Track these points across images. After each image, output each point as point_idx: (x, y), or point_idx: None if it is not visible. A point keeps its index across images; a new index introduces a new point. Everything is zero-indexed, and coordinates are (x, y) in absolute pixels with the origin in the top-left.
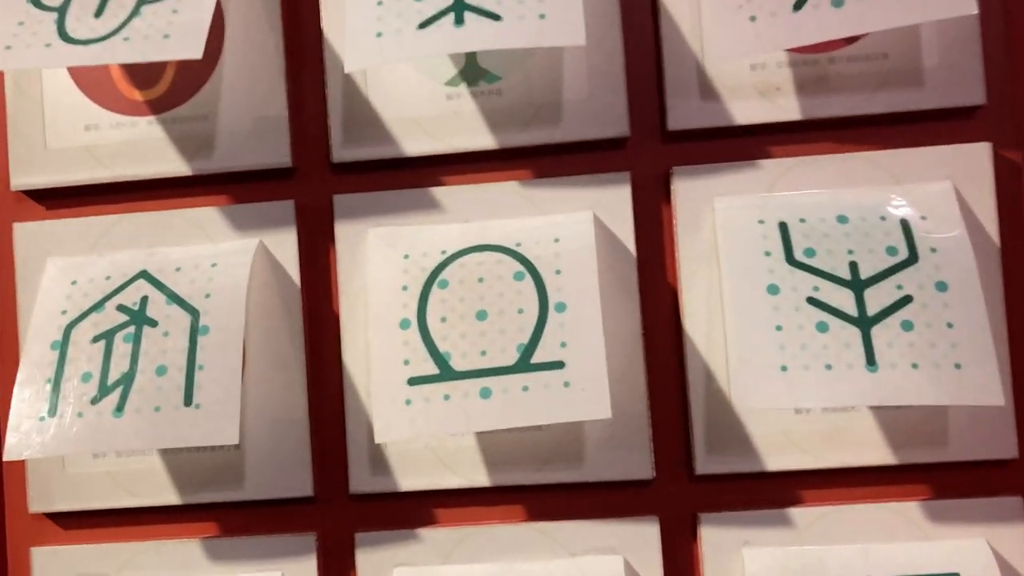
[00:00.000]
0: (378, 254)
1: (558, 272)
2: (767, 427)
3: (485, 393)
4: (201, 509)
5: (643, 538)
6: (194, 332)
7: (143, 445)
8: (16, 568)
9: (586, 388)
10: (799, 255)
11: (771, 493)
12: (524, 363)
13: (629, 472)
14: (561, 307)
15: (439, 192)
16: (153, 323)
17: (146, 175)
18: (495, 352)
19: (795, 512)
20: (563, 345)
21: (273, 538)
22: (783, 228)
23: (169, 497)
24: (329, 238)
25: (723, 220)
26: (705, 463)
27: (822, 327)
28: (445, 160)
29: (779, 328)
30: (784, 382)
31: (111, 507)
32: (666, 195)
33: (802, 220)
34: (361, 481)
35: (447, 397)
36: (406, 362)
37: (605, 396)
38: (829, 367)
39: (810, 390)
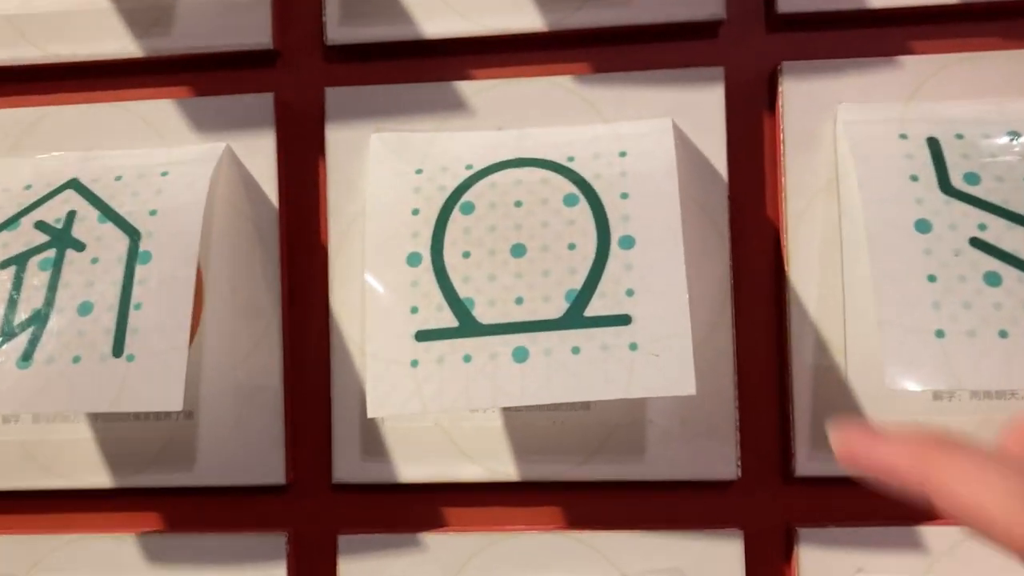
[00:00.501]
0: (382, 166)
1: (625, 196)
2: (895, 416)
3: (520, 355)
4: (139, 495)
5: (720, 557)
6: (132, 260)
7: (54, 406)
8: None
9: (661, 353)
10: (957, 182)
11: (895, 505)
12: (575, 316)
13: (706, 470)
14: (628, 242)
15: (465, 88)
16: (80, 246)
17: (84, 56)
18: (535, 300)
19: (926, 531)
20: (629, 293)
21: (232, 537)
22: (933, 146)
23: (98, 478)
24: (318, 144)
25: (851, 134)
26: (808, 462)
27: (992, 279)
28: (474, 46)
29: (932, 279)
30: (940, 354)
31: (23, 488)
32: (771, 100)
33: (959, 136)
34: (348, 467)
35: (468, 359)
36: (414, 310)
37: (688, 365)
38: (1004, 334)
39: (977, 366)
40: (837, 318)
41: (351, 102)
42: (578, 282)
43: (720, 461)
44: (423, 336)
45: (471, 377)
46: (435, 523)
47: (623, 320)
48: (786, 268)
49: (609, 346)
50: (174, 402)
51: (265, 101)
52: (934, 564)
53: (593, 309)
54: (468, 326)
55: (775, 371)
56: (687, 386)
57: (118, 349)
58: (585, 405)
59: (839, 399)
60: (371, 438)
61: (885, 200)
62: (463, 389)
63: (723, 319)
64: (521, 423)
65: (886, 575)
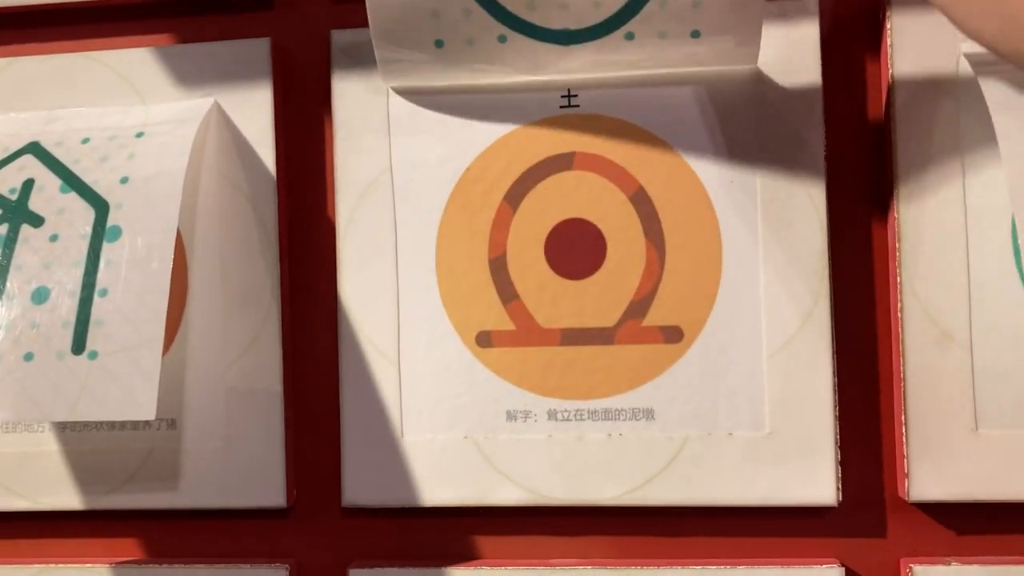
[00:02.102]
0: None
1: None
2: None
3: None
4: (115, 519)
5: None
6: (98, 237)
7: (4, 415)
8: None
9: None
10: None
11: None
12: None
13: (798, 493)
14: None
15: None
16: (37, 220)
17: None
18: None
19: None
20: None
21: (224, 569)
22: None
23: (66, 499)
24: (323, 99)
25: (984, 79)
26: (922, 484)
27: None
28: None
29: None
30: None
31: None
32: (875, 36)
33: None
34: (362, 489)
35: None
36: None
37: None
38: None
39: None
40: (961, 308)
41: (363, 46)
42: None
43: (817, 483)
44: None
45: None
46: (465, 555)
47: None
48: (899, 249)
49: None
50: (146, 410)
51: (260, 48)
52: None
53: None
54: None
55: (882, 375)
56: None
57: (79, 345)
58: (649, 414)
59: (962, 409)
60: (388, 454)
61: None
62: None
63: (820, 308)
64: (570, 436)
65: None
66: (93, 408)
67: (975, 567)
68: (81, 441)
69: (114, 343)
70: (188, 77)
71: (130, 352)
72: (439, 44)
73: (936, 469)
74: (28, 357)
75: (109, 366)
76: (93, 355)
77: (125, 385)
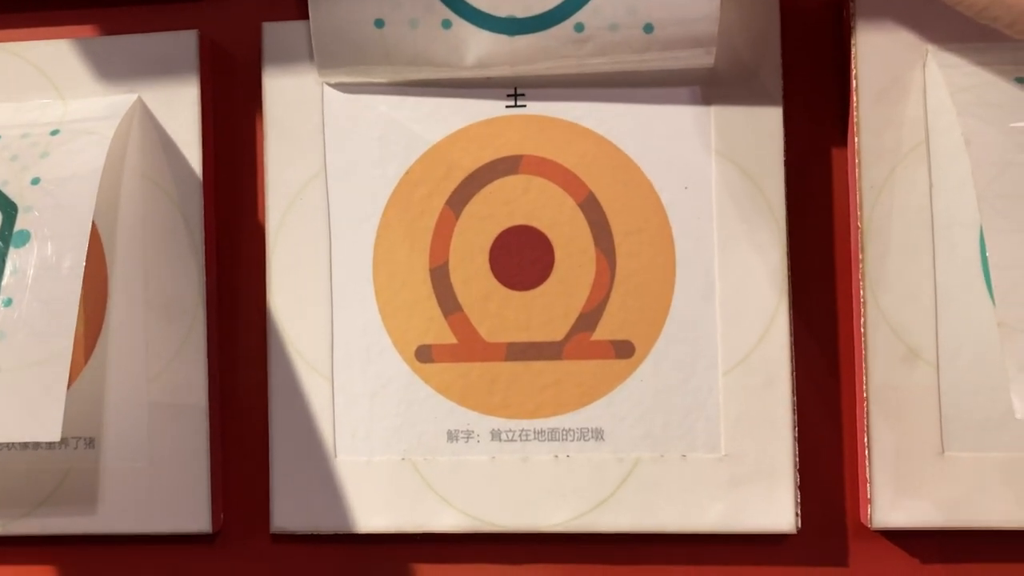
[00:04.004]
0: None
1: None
2: (1005, 449)
3: None
4: (26, 544)
5: None
6: (3, 242)
7: None
8: None
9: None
10: None
11: (1001, 565)
12: None
13: (755, 519)
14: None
15: None
16: None
17: None
18: None
19: None
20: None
21: None
22: None
23: None
24: (253, 96)
25: (950, 82)
26: (886, 510)
27: None
28: None
29: None
30: None
31: None
32: (838, 43)
33: None
34: (293, 514)
35: None
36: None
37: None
38: None
39: None
40: (929, 324)
41: (296, 41)
42: None
43: (775, 509)
44: None
45: None
46: None
47: None
48: (860, 260)
49: None
50: (51, 430)
51: (187, 41)
52: None
53: None
54: None
55: (844, 394)
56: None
57: None
58: (598, 434)
59: (927, 430)
60: (320, 476)
61: (1005, 164)
62: None
63: (778, 325)
64: (514, 458)
65: None
66: None
67: None
68: None
69: (18, 358)
70: (110, 71)
71: (35, 368)
72: (379, 24)
73: (900, 494)
74: None
75: (11, 383)
76: None
77: (28, 403)
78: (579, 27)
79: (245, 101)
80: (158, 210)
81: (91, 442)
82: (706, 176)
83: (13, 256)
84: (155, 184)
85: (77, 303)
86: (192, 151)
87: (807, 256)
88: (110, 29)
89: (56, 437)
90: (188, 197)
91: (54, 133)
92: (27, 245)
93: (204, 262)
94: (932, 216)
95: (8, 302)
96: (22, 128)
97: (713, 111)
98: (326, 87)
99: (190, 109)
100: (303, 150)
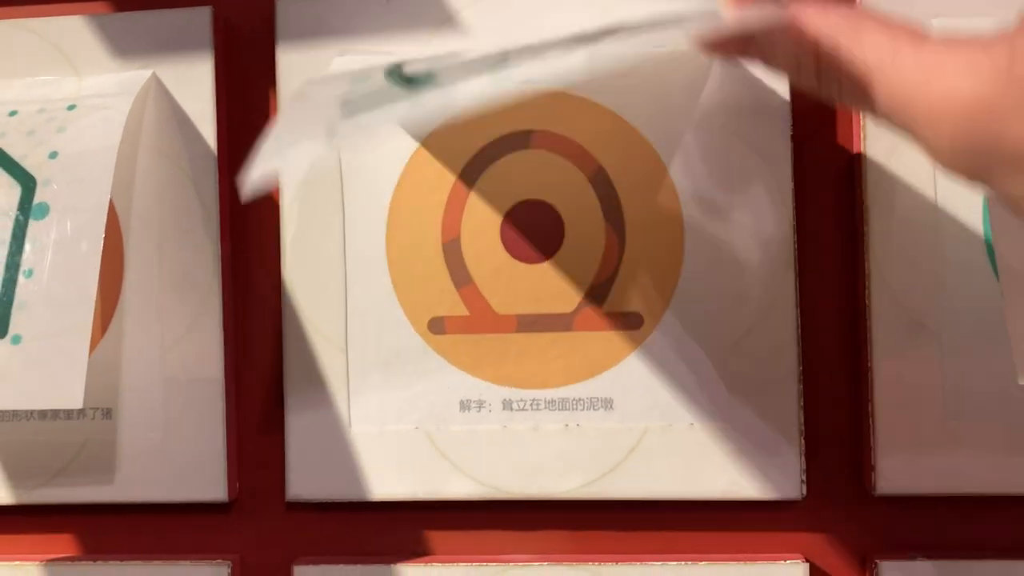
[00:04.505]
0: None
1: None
2: (1006, 418)
3: None
4: (46, 513)
5: None
6: (23, 214)
7: None
8: None
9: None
10: None
11: (1002, 530)
12: None
13: (760, 488)
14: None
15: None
16: None
17: None
18: None
19: None
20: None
21: (163, 566)
22: None
23: None
24: (267, 72)
25: None
26: (892, 477)
27: None
28: None
29: None
30: None
31: None
32: None
33: None
34: (308, 482)
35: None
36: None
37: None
38: None
39: None
40: (933, 296)
41: (309, 17)
42: None
43: (781, 476)
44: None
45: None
46: (416, 550)
47: None
48: (865, 233)
49: None
50: (73, 397)
51: (201, 17)
52: None
53: None
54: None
55: (849, 366)
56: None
57: (2, 328)
58: (607, 403)
59: (932, 399)
60: (335, 445)
61: None
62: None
63: (784, 299)
64: (525, 427)
65: None
66: (16, 396)
67: (942, 562)
68: (9, 432)
69: (40, 327)
70: (125, 47)
71: (56, 337)
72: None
73: (905, 461)
74: None
75: (34, 352)
76: (16, 340)
77: (51, 372)
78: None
79: (259, 76)
80: (173, 185)
81: (108, 413)
82: (715, 152)
83: (33, 228)
84: (170, 159)
85: (96, 274)
86: (206, 126)
87: (813, 228)
88: (125, 5)
89: (79, 404)
90: (203, 172)
91: (71, 108)
92: (47, 218)
93: (219, 236)
94: (936, 189)
95: (29, 273)
96: (39, 103)
97: (723, 87)
98: (336, 60)
99: (204, 84)
100: None
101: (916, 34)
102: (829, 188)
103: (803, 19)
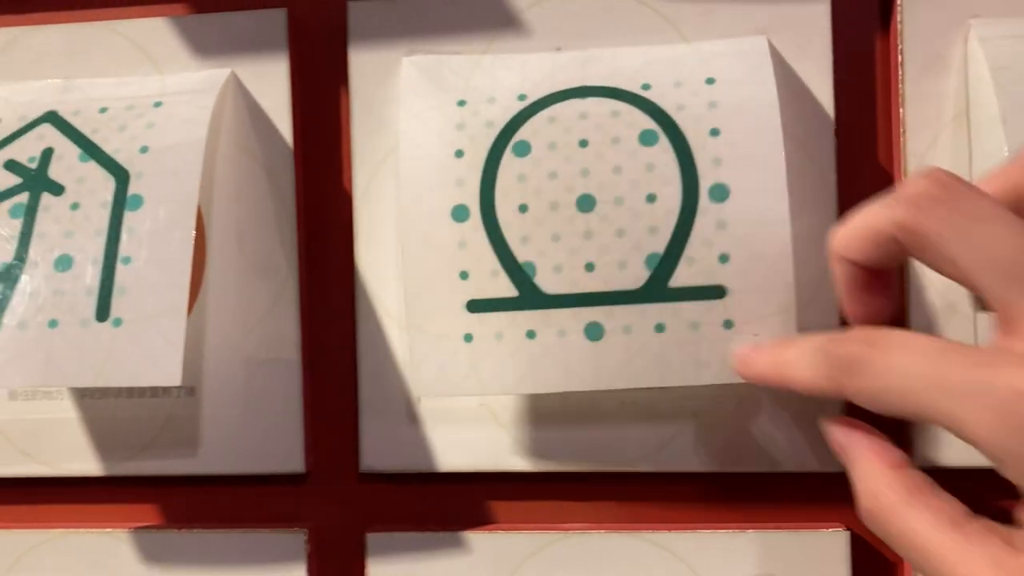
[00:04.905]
0: (416, 97)
1: (715, 133)
2: None
3: (594, 332)
4: (133, 485)
5: (823, 560)
6: (119, 205)
7: (27, 381)
8: None
9: (761, 333)
10: None
11: None
12: (658, 287)
13: (806, 460)
14: (720, 192)
15: (516, 1)
16: (57, 189)
17: None
18: (610, 267)
19: None
20: (723, 260)
21: (242, 534)
22: None
23: (85, 464)
24: (339, 70)
25: (989, 55)
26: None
27: None
28: None
29: None
30: None
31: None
32: (885, 15)
33: None
34: (379, 454)
35: (532, 335)
36: (463, 275)
37: None
38: None
39: None
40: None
41: (379, 18)
42: (660, 245)
43: (823, 449)
44: (477, 307)
45: (536, 356)
46: (481, 520)
47: (716, 293)
48: None
49: (700, 324)
50: (171, 376)
51: (276, 19)
52: None
53: (679, 279)
54: (530, 296)
55: None
56: None
57: (103, 312)
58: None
59: None
60: (405, 421)
61: None
62: (528, 371)
63: (827, 281)
64: (584, 406)
65: None
66: (118, 374)
67: None
68: (100, 408)
69: (138, 310)
70: (204, 47)
71: (154, 320)
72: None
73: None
74: (52, 324)
75: (134, 333)
76: (117, 322)
77: (150, 352)
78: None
79: (331, 75)
80: (251, 177)
81: (192, 391)
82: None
83: (129, 219)
84: (248, 153)
85: (189, 260)
86: (282, 122)
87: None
88: (204, 7)
89: (177, 382)
90: (279, 164)
91: (157, 105)
92: (141, 209)
93: (295, 225)
94: (971, 180)
95: (127, 260)
96: (126, 100)
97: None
98: (404, 61)
99: (280, 83)
100: (385, 121)
101: None
102: (871, 180)
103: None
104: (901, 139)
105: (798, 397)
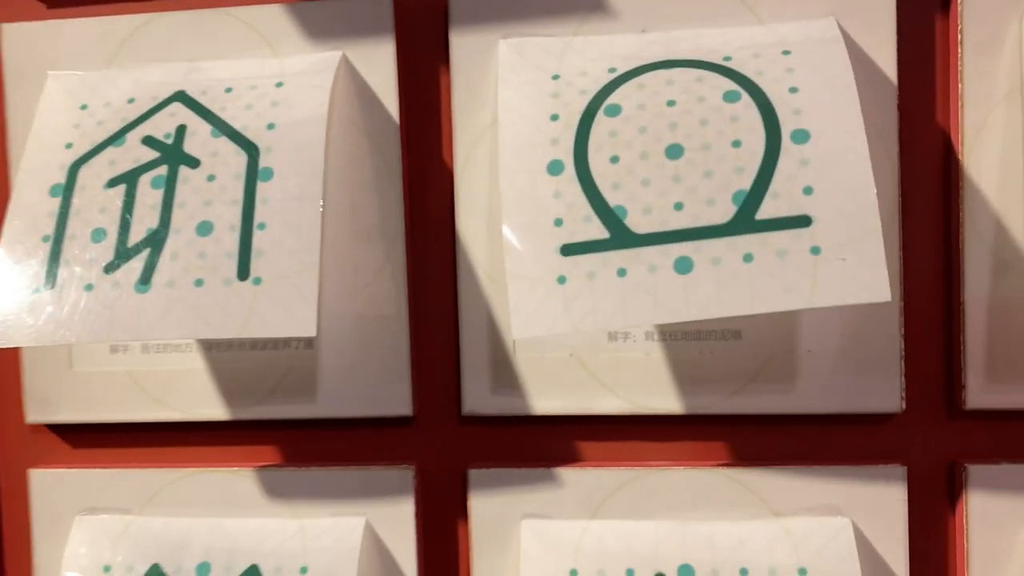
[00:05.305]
0: (513, 74)
1: (794, 91)
2: None
3: (683, 266)
4: (257, 428)
5: (881, 494)
6: (252, 177)
7: (180, 333)
8: (10, 494)
9: (848, 257)
10: None
11: None
12: (746, 220)
13: (867, 403)
14: (802, 136)
15: None
16: (194, 162)
17: None
18: (698, 204)
19: None
20: (807, 191)
21: (355, 471)
22: None
23: (213, 410)
24: (441, 52)
25: None
26: (981, 393)
27: None
28: None
29: None
30: None
31: (134, 420)
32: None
33: None
34: (479, 399)
35: (622, 273)
36: (558, 222)
37: (881, 267)
38: None
39: None
40: (1018, 242)
41: (477, 5)
42: (747, 182)
43: (883, 393)
44: (570, 250)
45: (628, 292)
46: (572, 458)
47: (802, 222)
48: (960, 188)
49: (787, 251)
50: (308, 327)
51: (383, 5)
52: None
53: (766, 211)
54: (621, 237)
55: (944, 298)
56: (881, 291)
57: (243, 272)
58: (736, 334)
59: (1016, 328)
60: (503, 369)
61: None
62: (619, 306)
63: (889, 243)
64: (666, 354)
65: None
66: (261, 326)
67: (1020, 465)
68: (225, 360)
69: (275, 271)
70: (317, 32)
71: (291, 279)
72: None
73: (990, 381)
74: (198, 283)
75: (272, 291)
76: (257, 281)
77: (287, 307)
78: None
79: (434, 56)
80: (360, 150)
81: (309, 343)
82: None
83: (261, 189)
84: (358, 128)
85: (320, 225)
86: (389, 100)
87: (918, 187)
88: None
89: (313, 332)
90: (387, 140)
91: (279, 85)
92: (272, 180)
93: (402, 195)
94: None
95: (262, 226)
96: (250, 80)
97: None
98: (501, 43)
99: (387, 64)
100: (483, 100)
101: None
102: (931, 152)
103: None
104: (959, 113)
105: (861, 344)
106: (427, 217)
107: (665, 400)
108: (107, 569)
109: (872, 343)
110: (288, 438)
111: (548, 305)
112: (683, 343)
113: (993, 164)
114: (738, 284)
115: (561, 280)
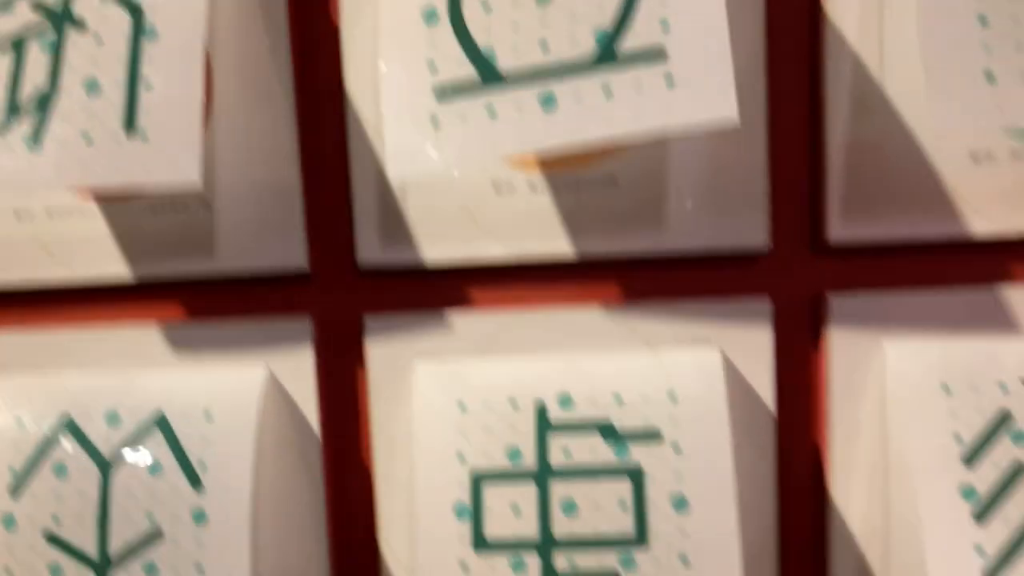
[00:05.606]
0: None
1: None
2: (933, 180)
3: (548, 101)
4: (159, 287)
5: (748, 325)
6: (137, 36)
7: (70, 182)
8: None
9: (700, 80)
10: None
11: (921, 269)
12: (606, 56)
13: (732, 239)
14: None
15: None
16: (81, 24)
17: None
18: (562, 43)
19: (946, 298)
20: (664, 24)
21: (255, 322)
22: None
23: (117, 270)
24: None
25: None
26: (841, 228)
27: None
28: None
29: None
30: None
31: (39, 283)
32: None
33: None
34: (372, 250)
35: (492, 113)
36: (432, 68)
37: (729, 90)
38: None
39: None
40: (875, 83)
41: None
42: (608, 21)
43: (750, 230)
44: (443, 95)
45: (496, 129)
46: (461, 302)
47: (658, 55)
48: (823, 29)
49: (644, 84)
50: (192, 173)
51: None
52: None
53: (624, 47)
54: (490, 77)
55: (809, 138)
56: (729, 110)
57: (130, 124)
58: (613, 181)
59: (873, 165)
60: (394, 220)
61: None
62: (489, 143)
63: (756, 84)
64: (548, 203)
65: (910, 339)
66: (147, 174)
67: (878, 294)
68: (127, 223)
69: (161, 124)
70: None
71: (175, 131)
72: None
73: (851, 218)
74: (87, 139)
75: (158, 141)
76: (143, 134)
77: (173, 155)
78: None
79: None
80: (246, 11)
81: (207, 206)
82: None
83: (147, 48)
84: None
85: (202, 82)
86: None
87: (783, 32)
88: None
89: (197, 178)
90: (272, 6)
91: None
92: (158, 41)
93: (289, 57)
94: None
95: (148, 84)
96: None
97: None
98: None
99: None
100: None
101: None
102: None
103: None
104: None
105: (729, 185)
106: (315, 65)
107: (547, 246)
108: (19, 421)
109: (739, 184)
110: (190, 295)
111: (423, 147)
112: (564, 193)
113: (854, 6)
114: (598, 116)
115: (435, 123)
